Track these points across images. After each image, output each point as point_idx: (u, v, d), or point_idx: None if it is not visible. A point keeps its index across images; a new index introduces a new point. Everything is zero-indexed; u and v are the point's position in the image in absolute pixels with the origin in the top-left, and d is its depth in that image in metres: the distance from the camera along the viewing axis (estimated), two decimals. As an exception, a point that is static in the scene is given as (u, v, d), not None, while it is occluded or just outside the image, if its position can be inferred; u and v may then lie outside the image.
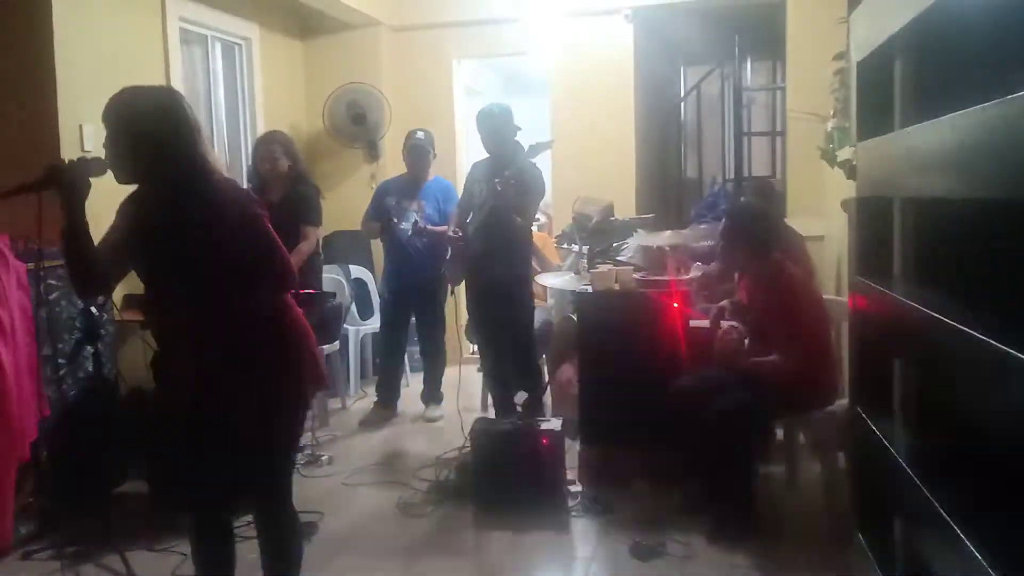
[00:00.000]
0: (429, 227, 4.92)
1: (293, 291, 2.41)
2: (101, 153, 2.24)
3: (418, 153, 5.08)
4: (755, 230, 3.50)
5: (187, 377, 2.26)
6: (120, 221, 2.30)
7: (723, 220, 3.65)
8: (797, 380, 3.30)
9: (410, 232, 4.96)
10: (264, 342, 2.28)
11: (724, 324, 3.54)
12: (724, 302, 3.65)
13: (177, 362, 2.29)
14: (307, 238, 4.41)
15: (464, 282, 4.56)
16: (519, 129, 4.40)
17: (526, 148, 4.26)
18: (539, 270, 5.01)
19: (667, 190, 7.18)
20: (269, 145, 4.53)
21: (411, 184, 5.13)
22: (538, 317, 4.81)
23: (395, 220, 5.00)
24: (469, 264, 4.36)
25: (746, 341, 3.49)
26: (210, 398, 2.25)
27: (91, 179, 2.20)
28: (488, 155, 4.44)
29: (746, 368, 3.40)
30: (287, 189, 4.48)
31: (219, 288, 2.21)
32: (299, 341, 2.37)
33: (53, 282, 3.55)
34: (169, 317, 2.30)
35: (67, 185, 2.17)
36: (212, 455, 2.33)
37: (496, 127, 4.30)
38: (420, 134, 5.12)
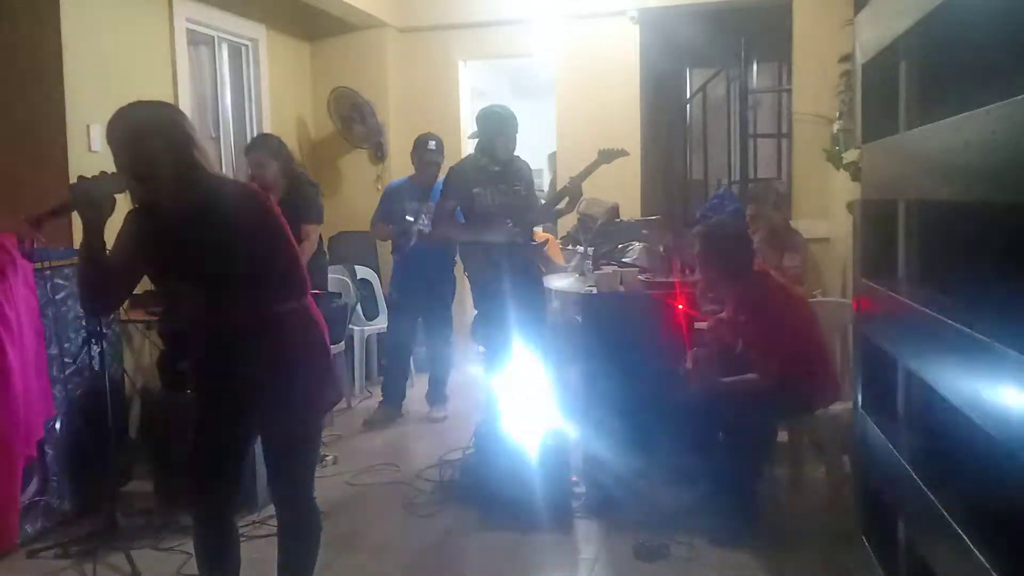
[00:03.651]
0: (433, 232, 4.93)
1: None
2: (111, 157, 2.23)
3: (430, 169, 5.08)
4: (728, 251, 3.46)
5: (209, 371, 2.28)
6: (128, 235, 2.25)
7: (696, 241, 3.61)
8: (789, 386, 3.29)
9: (412, 242, 4.96)
10: (297, 334, 2.30)
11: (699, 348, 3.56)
12: (722, 314, 3.65)
13: (198, 358, 2.31)
14: (308, 237, 4.40)
15: (478, 284, 4.50)
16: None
17: (598, 153, 4.35)
18: (544, 271, 5.01)
19: (672, 192, 7.17)
20: (254, 153, 4.48)
21: (420, 187, 5.13)
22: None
23: (410, 233, 5.00)
24: (491, 267, 4.29)
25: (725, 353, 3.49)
26: (235, 393, 2.27)
27: (116, 195, 2.12)
28: (484, 155, 4.34)
29: (721, 388, 3.40)
30: (285, 190, 4.45)
31: (238, 293, 2.20)
32: (327, 337, 2.40)
33: (59, 281, 3.57)
34: (188, 319, 2.31)
35: (89, 204, 2.09)
36: (227, 452, 2.35)
37: (503, 127, 4.28)
38: (432, 144, 5.08)
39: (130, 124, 2.15)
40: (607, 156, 4.36)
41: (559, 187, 4.66)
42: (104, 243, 2.15)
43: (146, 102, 2.26)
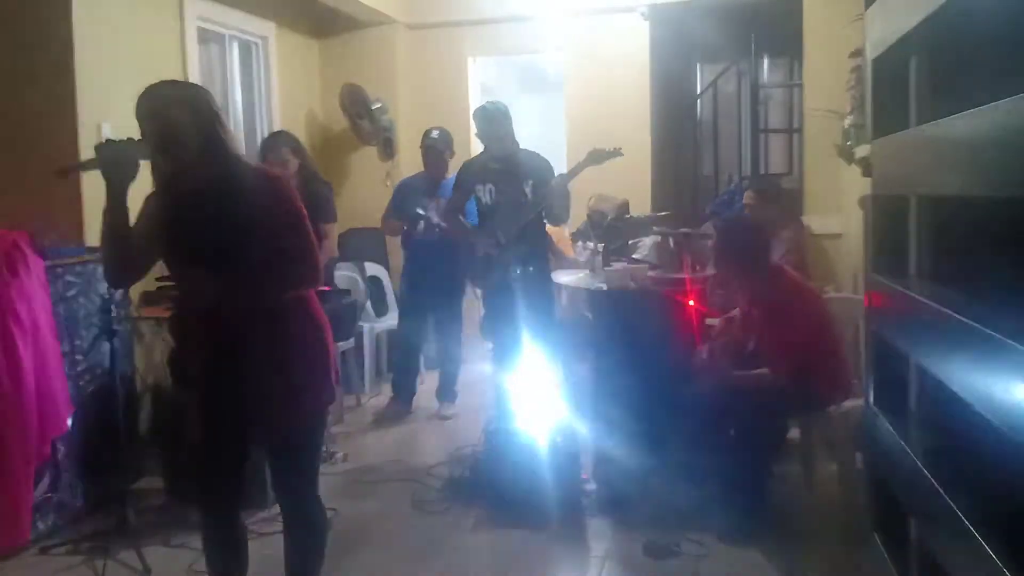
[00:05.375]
0: (443, 224, 4.92)
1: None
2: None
3: (433, 154, 5.10)
4: (744, 247, 3.45)
5: (212, 369, 2.27)
6: (149, 211, 2.28)
7: (714, 236, 3.61)
8: (802, 382, 3.27)
9: (421, 227, 4.96)
10: (296, 331, 2.30)
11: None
12: (734, 312, 3.64)
13: (202, 355, 2.29)
14: (328, 236, 4.42)
15: (483, 282, 4.51)
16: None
17: (586, 153, 4.23)
18: (554, 266, 5.00)
19: (683, 188, 7.16)
20: (277, 148, 4.50)
21: (429, 182, 5.14)
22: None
23: (419, 221, 5.00)
24: (498, 264, 4.31)
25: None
26: (236, 390, 2.26)
27: (139, 162, 2.17)
28: (487, 152, 4.42)
29: (733, 382, 3.38)
30: (299, 189, 4.44)
31: (250, 276, 2.20)
32: (327, 334, 2.40)
33: (71, 279, 3.58)
34: (198, 308, 2.29)
35: (114, 165, 2.14)
36: (230, 450, 2.36)
37: (499, 124, 4.31)
38: (435, 133, 5.12)
39: (159, 97, 2.21)
40: (596, 157, 4.18)
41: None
42: (127, 210, 2.19)
43: (176, 81, 2.34)
